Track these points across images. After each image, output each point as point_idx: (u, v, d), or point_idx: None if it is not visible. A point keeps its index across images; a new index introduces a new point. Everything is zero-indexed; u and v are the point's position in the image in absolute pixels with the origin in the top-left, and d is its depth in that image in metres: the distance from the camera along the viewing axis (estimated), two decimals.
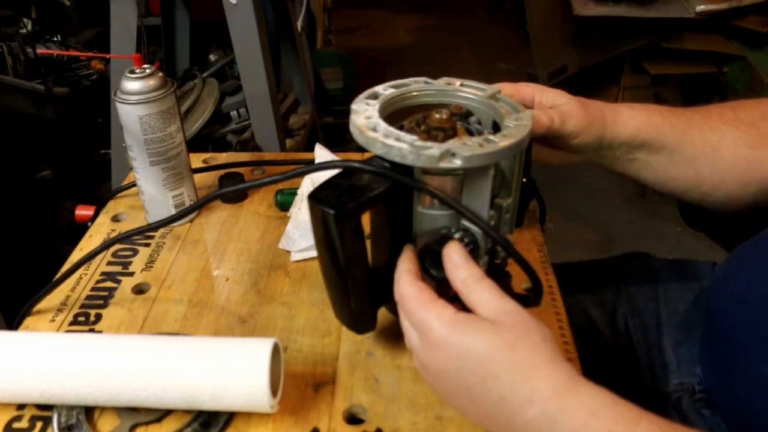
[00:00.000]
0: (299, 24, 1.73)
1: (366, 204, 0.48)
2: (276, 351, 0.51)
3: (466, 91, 0.55)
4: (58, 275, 0.66)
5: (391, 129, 0.48)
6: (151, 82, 0.69)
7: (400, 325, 0.50)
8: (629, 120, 0.63)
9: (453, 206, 0.48)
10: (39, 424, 0.52)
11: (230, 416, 0.51)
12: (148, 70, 0.69)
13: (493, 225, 0.51)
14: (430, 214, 0.50)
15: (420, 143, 0.46)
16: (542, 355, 0.43)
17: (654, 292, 0.76)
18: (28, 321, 0.63)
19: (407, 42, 3.67)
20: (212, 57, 1.79)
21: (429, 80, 0.57)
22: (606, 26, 2.53)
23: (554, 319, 0.60)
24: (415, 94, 0.55)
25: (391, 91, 0.54)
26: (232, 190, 0.74)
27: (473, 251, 0.49)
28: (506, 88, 0.59)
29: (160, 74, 0.70)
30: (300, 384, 0.55)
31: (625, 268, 0.80)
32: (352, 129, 0.50)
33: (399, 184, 0.48)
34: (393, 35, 3.79)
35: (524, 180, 0.60)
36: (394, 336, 0.59)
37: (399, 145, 0.46)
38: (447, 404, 0.50)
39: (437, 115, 0.49)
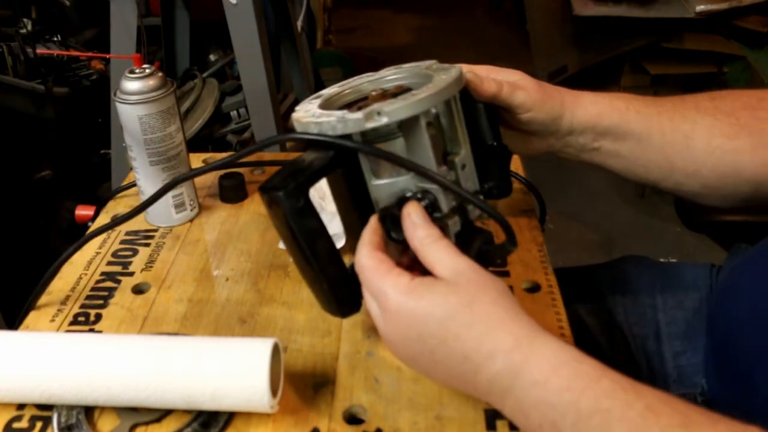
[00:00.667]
0: (299, 24, 1.73)
1: (310, 179, 0.49)
2: (276, 351, 0.51)
3: (404, 72, 0.57)
4: (57, 264, 0.66)
5: (323, 111, 0.50)
6: (151, 82, 0.69)
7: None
8: (590, 105, 0.62)
9: (392, 160, 0.49)
10: (39, 424, 0.51)
11: (230, 416, 0.51)
12: (147, 70, 0.69)
13: (453, 181, 0.52)
14: (384, 184, 0.51)
15: (348, 113, 0.48)
16: (501, 309, 0.43)
17: (652, 299, 0.75)
18: (28, 320, 0.63)
19: (407, 42, 3.67)
20: (212, 57, 1.79)
21: (372, 74, 0.59)
22: (606, 26, 2.53)
23: (554, 319, 0.60)
24: (354, 88, 0.58)
25: (335, 89, 0.57)
26: (199, 171, 0.69)
27: (433, 209, 0.50)
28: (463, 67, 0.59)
29: (160, 74, 0.70)
30: (300, 384, 0.55)
31: (622, 273, 0.79)
32: (293, 124, 0.52)
33: (341, 156, 0.50)
34: (393, 35, 3.79)
35: (494, 144, 0.60)
36: None
37: (328, 119, 0.48)
38: (413, 367, 0.49)
39: (374, 93, 0.52)
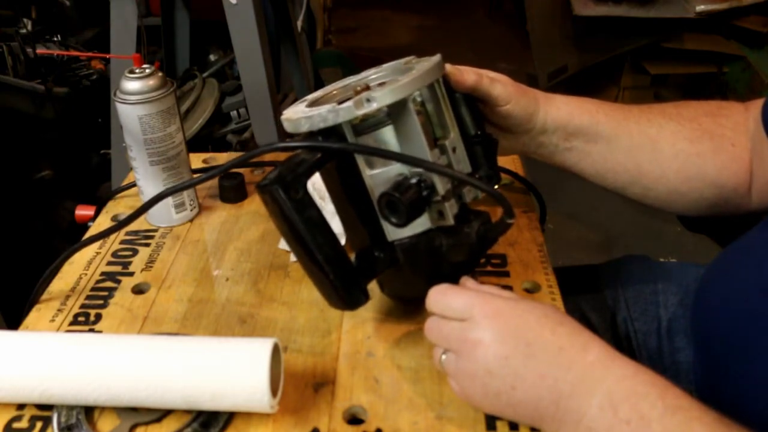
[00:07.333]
0: (299, 24, 1.73)
1: (306, 172, 0.50)
2: (276, 351, 0.51)
3: (383, 70, 0.59)
4: (59, 259, 0.67)
5: (313, 106, 0.52)
6: (151, 82, 0.69)
7: (400, 316, 0.53)
8: (562, 105, 0.65)
9: (383, 155, 0.50)
10: (39, 424, 0.51)
11: (230, 416, 0.51)
12: (147, 70, 0.69)
13: (446, 164, 0.54)
14: (379, 173, 0.52)
15: (338, 105, 0.49)
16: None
17: (654, 296, 0.75)
18: (28, 320, 0.63)
19: (407, 42, 3.67)
20: (212, 57, 1.79)
21: (355, 76, 0.61)
22: (606, 26, 2.53)
23: None
24: (339, 89, 0.59)
25: (320, 93, 0.59)
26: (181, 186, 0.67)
27: (430, 194, 0.51)
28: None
29: (160, 74, 0.70)
30: (300, 384, 0.55)
31: (624, 271, 0.80)
32: (284, 124, 0.53)
33: (330, 151, 0.51)
34: (393, 35, 3.78)
35: (478, 132, 0.61)
36: (394, 336, 0.59)
37: (319, 111, 0.49)
38: (499, 374, 0.49)
39: (358, 88, 0.52)
